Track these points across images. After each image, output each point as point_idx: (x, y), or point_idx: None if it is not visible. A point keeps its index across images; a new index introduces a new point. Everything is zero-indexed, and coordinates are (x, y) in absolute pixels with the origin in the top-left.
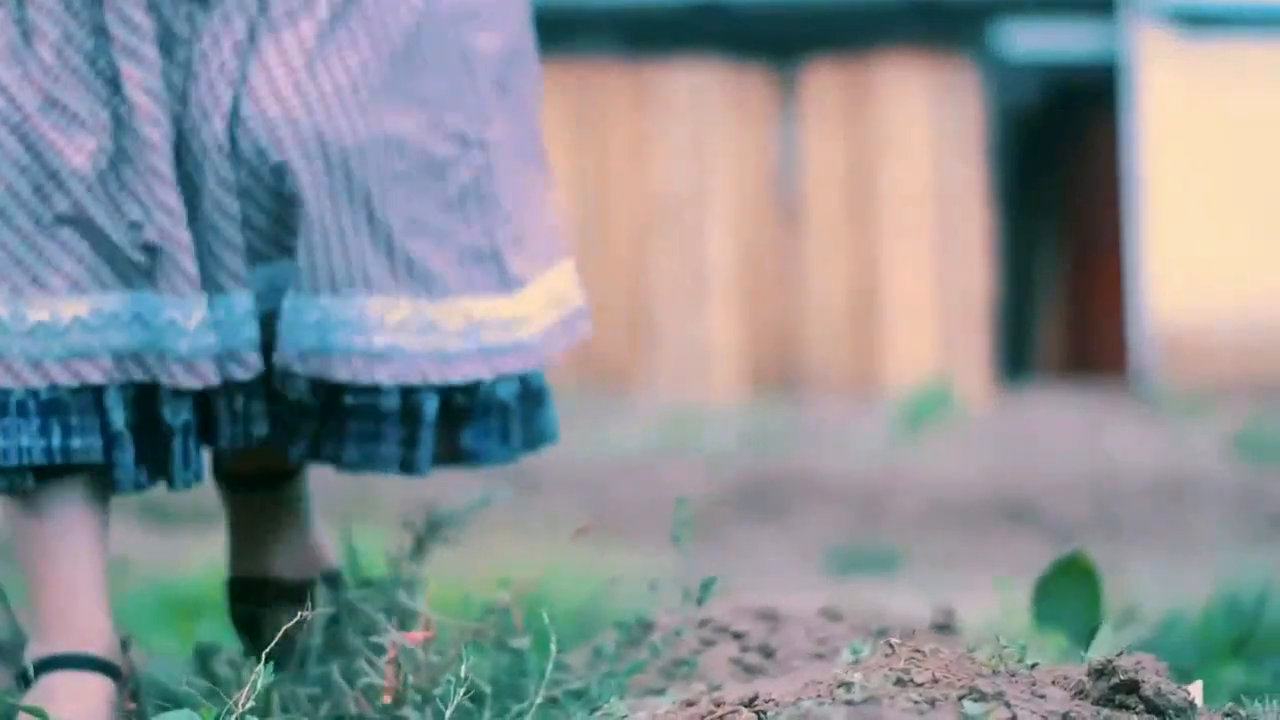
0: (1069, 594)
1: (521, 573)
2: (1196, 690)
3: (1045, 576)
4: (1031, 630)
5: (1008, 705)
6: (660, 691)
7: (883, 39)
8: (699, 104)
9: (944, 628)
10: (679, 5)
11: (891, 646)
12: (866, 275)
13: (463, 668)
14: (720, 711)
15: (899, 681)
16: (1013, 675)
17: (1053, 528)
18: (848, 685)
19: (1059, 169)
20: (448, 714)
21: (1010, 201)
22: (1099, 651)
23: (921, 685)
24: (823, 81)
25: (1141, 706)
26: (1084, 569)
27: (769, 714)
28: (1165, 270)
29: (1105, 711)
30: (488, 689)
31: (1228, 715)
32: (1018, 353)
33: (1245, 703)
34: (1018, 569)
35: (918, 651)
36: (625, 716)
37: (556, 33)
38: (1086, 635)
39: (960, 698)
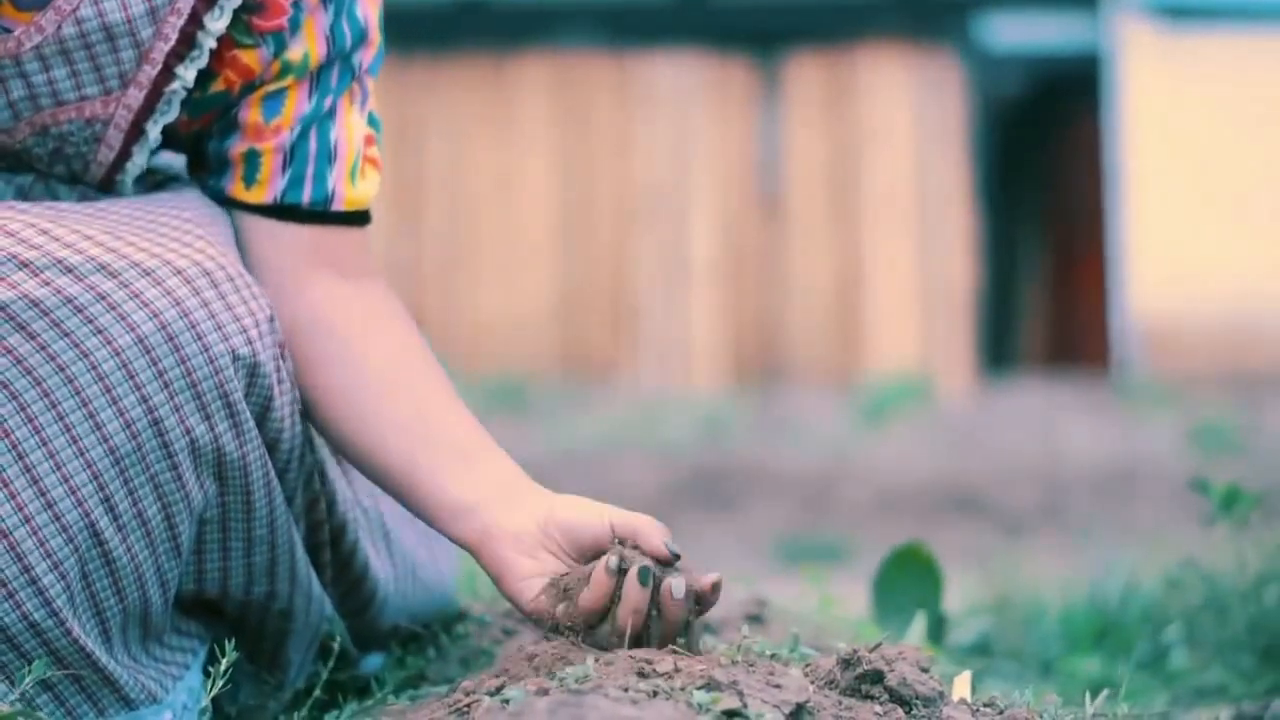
0: (908, 587)
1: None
2: (963, 682)
3: (883, 569)
4: (871, 621)
5: (740, 694)
6: (450, 680)
7: (865, 31)
8: (682, 96)
9: (755, 618)
10: None
11: None
12: (848, 267)
13: (222, 668)
14: (467, 700)
15: (640, 673)
16: (751, 665)
17: (998, 518)
18: (585, 676)
19: (1041, 161)
20: (203, 701)
21: (993, 194)
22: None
23: (661, 676)
24: (805, 74)
25: (886, 696)
26: (924, 561)
27: (509, 704)
28: (1147, 262)
29: (847, 701)
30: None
31: (986, 705)
32: (1000, 345)
33: (1011, 693)
34: (958, 558)
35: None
36: (381, 708)
37: (540, 25)
38: (924, 626)
39: (699, 687)
